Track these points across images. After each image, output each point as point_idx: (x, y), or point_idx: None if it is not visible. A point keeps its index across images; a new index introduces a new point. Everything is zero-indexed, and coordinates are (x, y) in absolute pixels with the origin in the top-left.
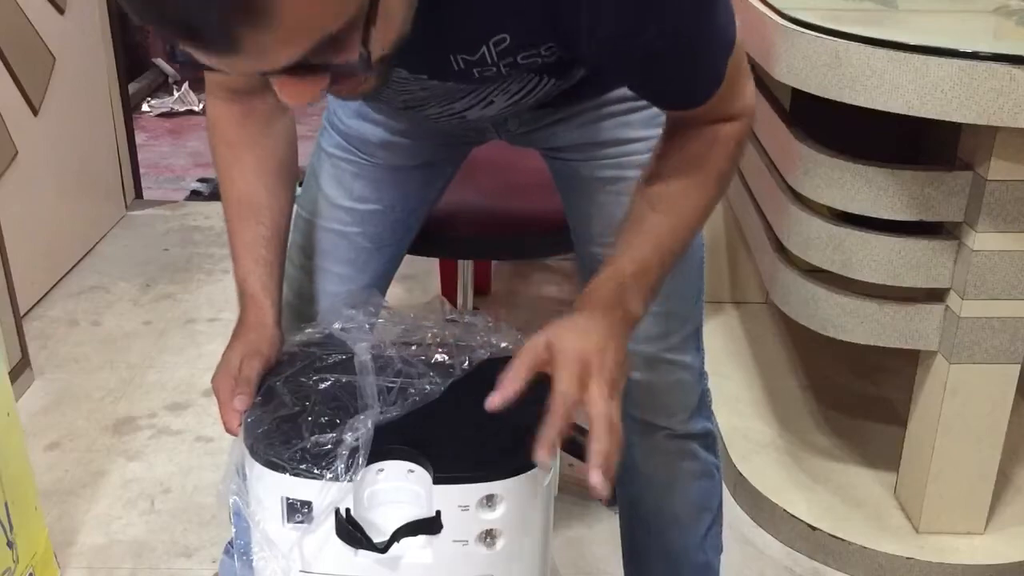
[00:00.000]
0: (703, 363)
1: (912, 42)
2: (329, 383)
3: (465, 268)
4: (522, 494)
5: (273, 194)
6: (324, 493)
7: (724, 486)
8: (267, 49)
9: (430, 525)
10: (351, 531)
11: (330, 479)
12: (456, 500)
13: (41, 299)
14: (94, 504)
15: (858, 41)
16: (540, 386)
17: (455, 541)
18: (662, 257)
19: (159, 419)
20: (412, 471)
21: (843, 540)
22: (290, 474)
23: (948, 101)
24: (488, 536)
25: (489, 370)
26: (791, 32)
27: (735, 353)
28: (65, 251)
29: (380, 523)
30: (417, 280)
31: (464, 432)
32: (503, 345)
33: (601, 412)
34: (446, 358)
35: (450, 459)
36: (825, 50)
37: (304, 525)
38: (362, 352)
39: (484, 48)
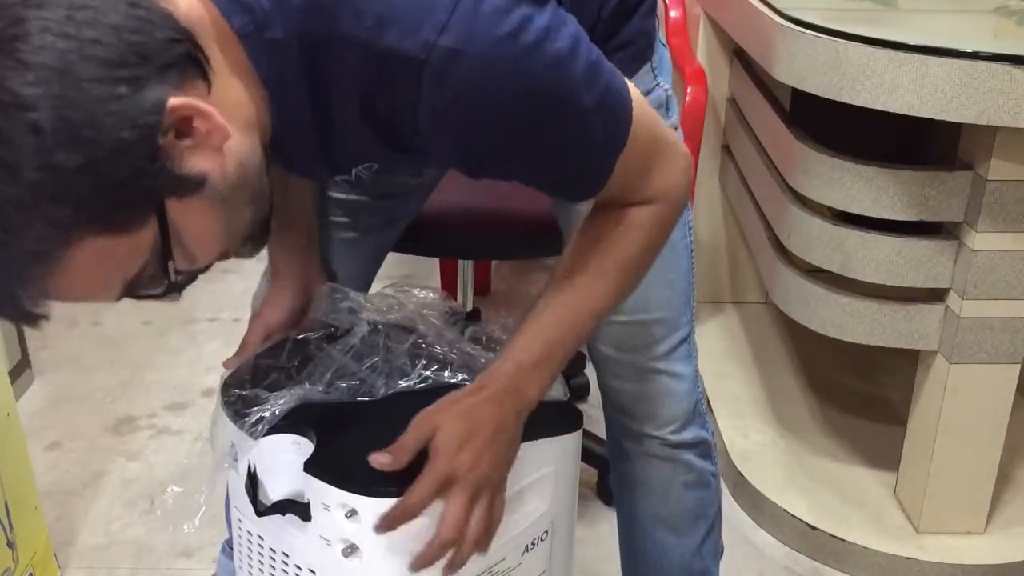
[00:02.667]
0: (695, 371)
1: (912, 42)
2: (320, 352)
3: (465, 268)
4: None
5: None
6: (240, 441)
7: (724, 486)
8: (73, 301)
9: (300, 510)
10: (248, 485)
11: (236, 428)
12: (320, 497)
13: None
14: (94, 504)
15: (858, 41)
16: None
17: (322, 537)
18: (564, 343)
19: (159, 419)
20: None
21: (843, 540)
22: (224, 412)
23: (948, 101)
24: (349, 549)
25: (437, 394)
26: (791, 32)
27: (735, 353)
28: None
29: (271, 490)
30: (417, 280)
31: (364, 439)
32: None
33: (449, 523)
34: (420, 368)
35: (330, 455)
36: (825, 50)
37: (235, 464)
38: (354, 336)
39: (355, 171)
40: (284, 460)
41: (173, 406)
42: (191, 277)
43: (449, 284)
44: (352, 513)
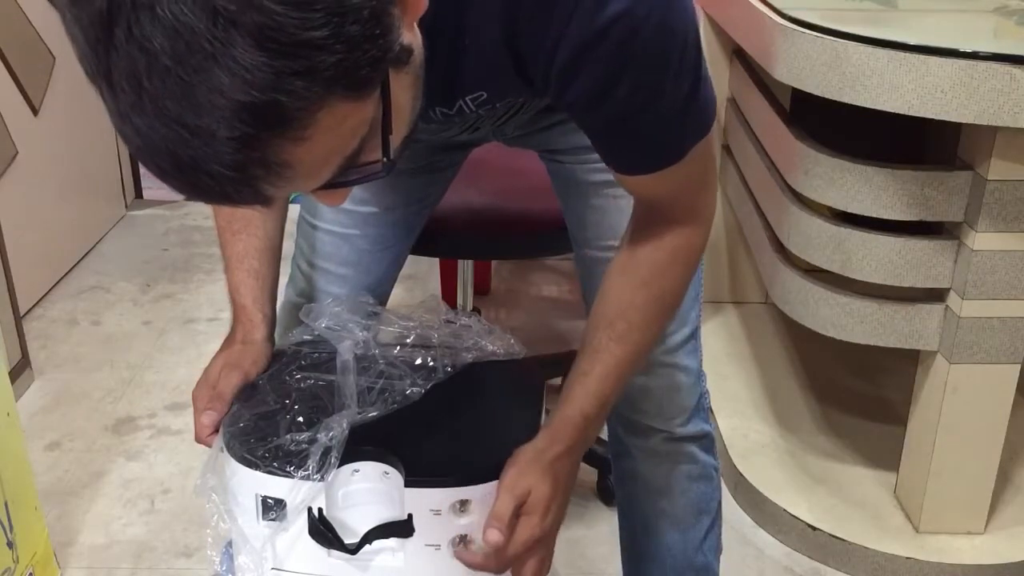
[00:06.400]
0: (700, 365)
1: (912, 42)
2: (311, 382)
3: (465, 268)
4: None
5: None
6: (296, 492)
7: (724, 486)
8: (297, 187)
9: (402, 528)
10: (323, 531)
11: (301, 478)
12: (428, 504)
13: (41, 299)
14: (94, 504)
15: (858, 41)
16: (524, 398)
17: (427, 545)
18: (620, 385)
19: (159, 419)
20: (387, 473)
21: (843, 540)
22: (263, 471)
23: (948, 101)
24: (461, 542)
25: (472, 374)
26: (791, 32)
27: (735, 353)
28: (65, 251)
29: (352, 524)
30: (417, 280)
31: (440, 436)
32: (491, 349)
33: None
34: (430, 360)
35: (424, 462)
36: (825, 50)
37: (277, 523)
38: (345, 351)
39: (461, 102)
40: (365, 488)
41: (173, 406)
42: (393, 165)
43: (449, 284)
44: (463, 504)
